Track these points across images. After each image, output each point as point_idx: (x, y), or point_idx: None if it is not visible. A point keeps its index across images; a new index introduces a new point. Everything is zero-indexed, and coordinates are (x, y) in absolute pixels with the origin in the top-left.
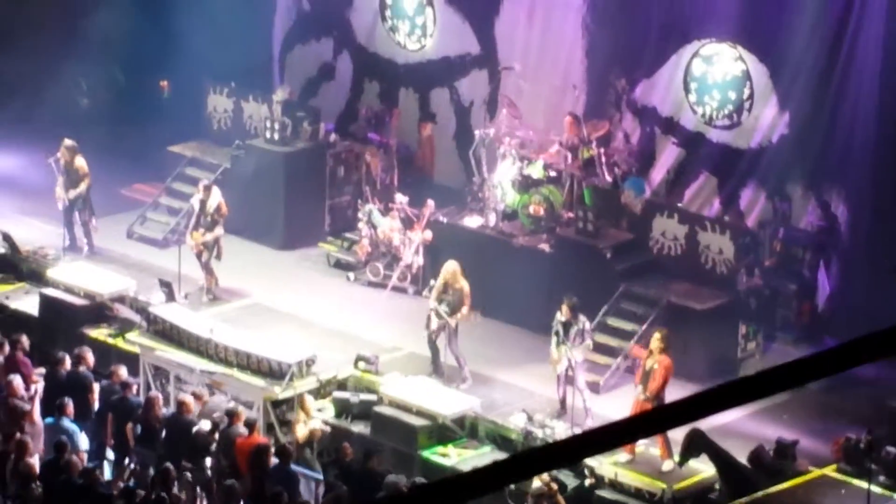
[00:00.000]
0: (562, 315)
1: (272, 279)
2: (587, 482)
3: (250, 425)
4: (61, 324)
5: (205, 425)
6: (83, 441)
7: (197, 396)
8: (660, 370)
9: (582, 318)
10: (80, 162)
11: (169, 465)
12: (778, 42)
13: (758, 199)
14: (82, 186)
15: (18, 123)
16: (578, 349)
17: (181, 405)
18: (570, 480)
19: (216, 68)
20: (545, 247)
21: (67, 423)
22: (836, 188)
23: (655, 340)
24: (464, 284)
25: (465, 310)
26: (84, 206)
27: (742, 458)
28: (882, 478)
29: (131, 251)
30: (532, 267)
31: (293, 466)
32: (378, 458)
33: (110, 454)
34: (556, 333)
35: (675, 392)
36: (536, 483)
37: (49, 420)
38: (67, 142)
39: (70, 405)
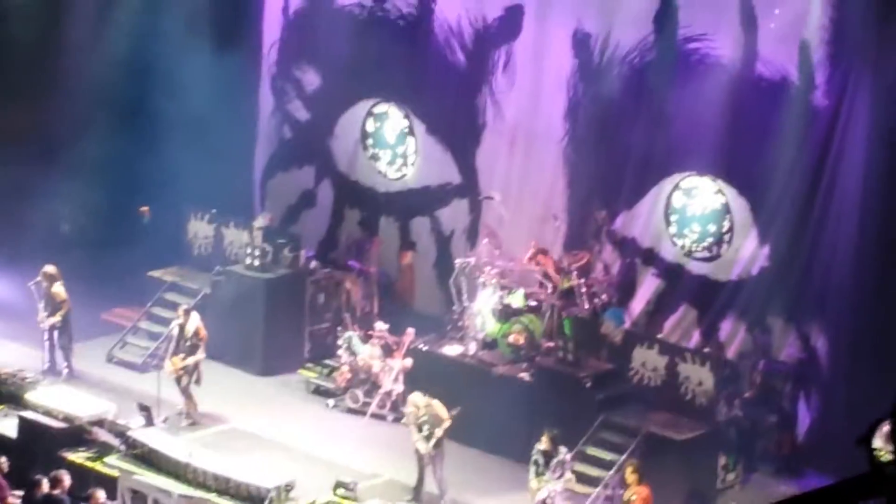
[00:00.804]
0: (542, 445)
1: (251, 405)
2: None
3: None
4: (40, 447)
5: None
6: None
7: None
8: (638, 502)
9: (563, 449)
10: (59, 289)
11: None
12: (758, 176)
13: (738, 331)
14: (59, 315)
15: None
16: (558, 481)
17: None
18: None
19: (197, 194)
20: (525, 376)
21: None
22: (816, 321)
23: (629, 474)
24: (434, 405)
25: (445, 424)
26: (63, 330)
27: None
28: None
29: (111, 375)
30: (512, 396)
31: None
32: None
33: None
34: (536, 463)
35: None
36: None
37: None
38: (47, 268)
39: None
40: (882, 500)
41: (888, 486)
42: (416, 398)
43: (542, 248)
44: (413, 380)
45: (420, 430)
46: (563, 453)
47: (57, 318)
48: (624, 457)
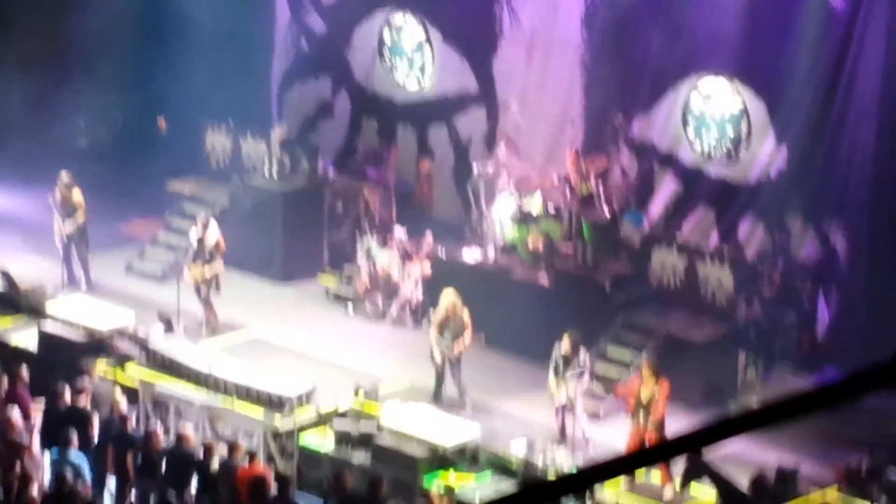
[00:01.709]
0: (562, 347)
1: (271, 313)
2: None
3: (252, 456)
4: (60, 358)
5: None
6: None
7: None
8: (660, 398)
9: (583, 352)
10: (77, 195)
11: (172, 495)
12: (776, 77)
13: (756, 232)
14: (79, 219)
15: (17, 163)
16: (578, 383)
17: (181, 438)
18: None
19: (215, 106)
20: (544, 280)
21: (74, 454)
22: (835, 220)
23: (645, 369)
24: (463, 312)
25: (467, 337)
26: (81, 240)
27: (743, 483)
28: (884, 502)
29: (130, 286)
30: (531, 300)
31: (293, 497)
32: (382, 487)
33: (111, 486)
34: (555, 365)
35: (675, 421)
36: None
37: (54, 452)
38: (64, 176)
39: (75, 437)
40: None
41: None
42: (453, 301)
43: (576, 150)
44: (432, 285)
45: (441, 333)
46: (583, 357)
47: (78, 222)
48: (643, 357)
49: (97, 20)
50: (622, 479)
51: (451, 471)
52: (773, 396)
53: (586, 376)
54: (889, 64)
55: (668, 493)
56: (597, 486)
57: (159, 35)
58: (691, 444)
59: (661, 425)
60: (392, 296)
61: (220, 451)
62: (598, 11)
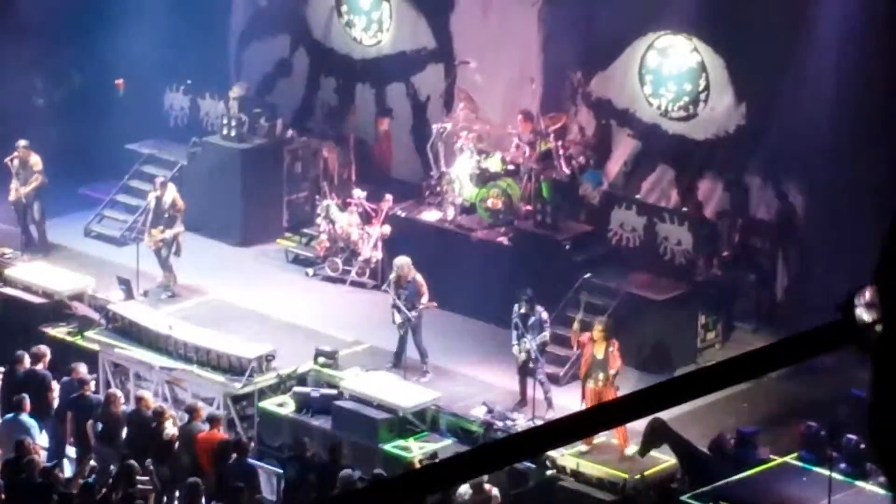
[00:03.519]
0: (522, 310)
1: (231, 276)
2: (549, 473)
3: (212, 421)
4: (20, 322)
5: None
6: (42, 438)
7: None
8: (615, 354)
9: (539, 308)
10: (35, 160)
11: (132, 461)
12: (734, 33)
13: (715, 190)
14: (35, 183)
15: None
16: (537, 340)
17: (140, 401)
18: (532, 472)
19: (172, 65)
20: (504, 240)
21: (26, 418)
22: (794, 178)
23: (598, 330)
24: (417, 276)
25: (424, 300)
26: (39, 205)
27: (703, 446)
28: (843, 465)
29: (89, 249)
30: (491, 260)
31: (252, 461)
32: (342, 451)
33: (70, 452)
34: (516, 327)
35: (635, 383)
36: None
37: (8, 416)
38: (22, 142)
39: (27, 401)
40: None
41: (860, 335)
42: (403, 265)
43: (525, 111)
44: (392, 246)
45: (399, 297)
46: (540, 312)
47: (31, 188)
48: (603, 317)
49: None
50: (582, 444)
51: (412, 439)
52: (733, 356)
53: (547, 338)
54: (848, 20)
55: (628, 457)
56: (557, 453)
57: None
58: (650, 404)
59: (615, 386)
60: (352, 257)
61: (175, 417)
62: None
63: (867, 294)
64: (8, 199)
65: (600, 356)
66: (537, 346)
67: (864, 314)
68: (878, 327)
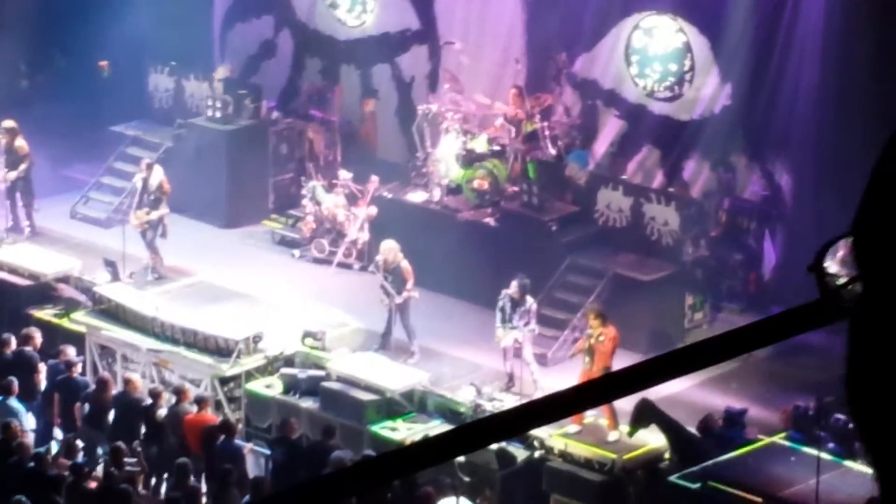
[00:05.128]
0: (510, 291)
1: (217, 257)
2: (536, 454)
3: (200, 402)
4: (6, 305)
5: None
6: (29, 420)
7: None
8: (607, 342)
9: (529, 299)
10: (21, 143)
11: (120, 443)
12: (719, 13)
13: (702, 170)
14: (23, 167)
15: None
16: (524, 330)
17: (128, 383)
18: (520, 452)
19: (156, 47)
20: (490, 221)
21: (13, 402)
22: (780, 158)
23: (591, 319)
24: (403, 262)
25: (409, 285)
26: (25, 187)
27: (691, 427)
28: (831, 445)
29: (75, 231)
30: (477, 241)
31: (238, 441)
32: (330, 433)
33: (58, 434)
34: (502, 310)
35: (622, 363)
36: None
37: None
38: (7, 123)
39: (15, 384)
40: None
41: (842, 311)
42: (390, 249)
43: (518, 86)
44: (378, 227)
45: (386, 279)
46: (530, 303)
47: (22, 169)
48: (591, 299)
49: None
50: (570, 425)
51: (399, 420)
52: (720, 334)
53: (533, 320)
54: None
55: (613, 437)
56: (545, 434)
57: None
58: (636, 381)
59: (608, 370)
60: (338, 238)
61: (168, 398)
62: None
63: (841, 251)
64: None
65: (592, 341)
66: (524, 329)
67: (838, 273)
68: (854, 287)
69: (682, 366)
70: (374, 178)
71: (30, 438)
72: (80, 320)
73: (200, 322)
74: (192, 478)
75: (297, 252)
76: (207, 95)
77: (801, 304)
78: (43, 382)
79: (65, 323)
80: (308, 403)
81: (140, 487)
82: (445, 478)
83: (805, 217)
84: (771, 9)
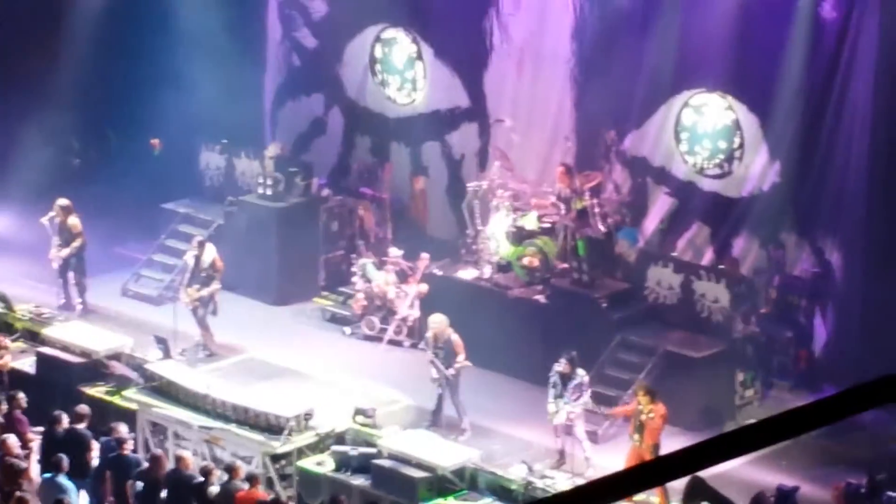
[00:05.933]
0: (560, 367)
1: (268, 334)
2: None
3: (251, 480)
4: (58, 382)
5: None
6: (82, 498)
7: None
8: (657, 419)
9: (580, 371)
10: (74, 221)
11: None
12: (767, 91)
13: (751, 247)
14: (75, 244)
15: (11, 184)
16: (577, 404)
17: (179, 460)
18: None
19: (208, 125)
20: (540, 298)
21: (63, 479)
22: (830, 235)
23: (640, 397)
24: (453, 335)
25: (461, 358)
26: (78, 265)
27: None
28: None
29: (126, 309)
30: (528, 318)
31: None
32: None
33: None
34: (554, 385)
35: (673, 441)
36: None
37: (46, 476)
38: (61, 201)
39: (65, 461)
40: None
41: None
42: (440, 323)
43: (566, 164)
44: (428, 305)
45: (436, 355)
46: (581, 376)
47: (75, 247)
48: (641, 375)
49: (90, 39)
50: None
51: (451, 497)
52: (771, 415)
53: (585, 397)
54: (880, 76)
55: None
56: None
57: (152, 53)
58: (689, 463)
59: (657, 447)
60: (389, 316)
61: (219, 475)
62: (587, 24)
63: None
64: (48, 257)
65: (643, 418)
66: (577, 409)
67: None
68: None
69: (741, 447)
70: (425, 256)
71: None
72: (131, 398)
73: (252, 399)
74: None
75: (347, 329)
76: (258, 173)
77: (856, 384)
78: (95, 460)
79: (116, 400)
80: (359, 481)
81: None
82: None
83: (855, 294)
84: (819, 86)
